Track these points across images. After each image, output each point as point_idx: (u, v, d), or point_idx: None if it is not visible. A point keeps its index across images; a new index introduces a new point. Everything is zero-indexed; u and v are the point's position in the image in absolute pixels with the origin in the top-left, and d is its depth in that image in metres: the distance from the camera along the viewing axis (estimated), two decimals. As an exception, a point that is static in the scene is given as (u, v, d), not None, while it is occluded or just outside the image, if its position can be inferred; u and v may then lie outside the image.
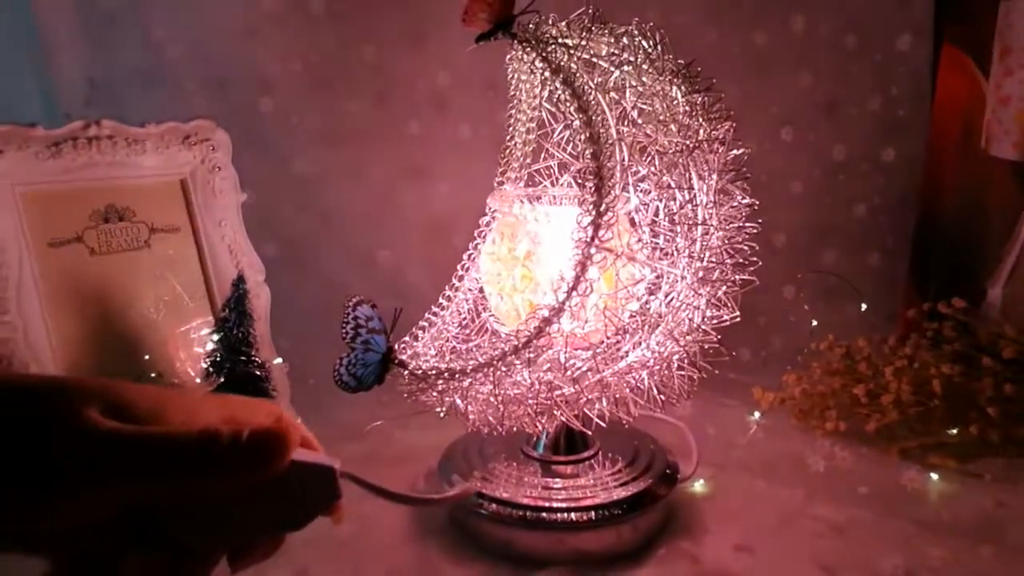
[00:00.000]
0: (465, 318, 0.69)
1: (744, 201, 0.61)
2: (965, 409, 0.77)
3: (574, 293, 0.54)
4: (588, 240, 0.54)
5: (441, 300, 0.68)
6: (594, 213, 0.53)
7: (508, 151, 0.68)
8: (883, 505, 0.68)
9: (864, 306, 0.96)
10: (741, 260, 0.61)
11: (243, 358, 0.70)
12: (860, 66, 1.03)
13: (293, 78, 0.99)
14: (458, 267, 0.69)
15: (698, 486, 0.71)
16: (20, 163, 0.67)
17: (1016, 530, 0.64)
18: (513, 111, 0.66)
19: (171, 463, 0.32)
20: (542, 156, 0.67)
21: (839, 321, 1.01)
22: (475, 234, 0.69)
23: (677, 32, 0.99)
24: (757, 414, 0.83)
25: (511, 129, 0.67)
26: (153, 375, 0.74)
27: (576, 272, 0.54)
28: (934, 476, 0.73)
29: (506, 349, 0.56)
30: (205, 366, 0.71)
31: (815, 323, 0.92)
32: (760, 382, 0.87)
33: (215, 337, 0.70)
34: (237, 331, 0.70)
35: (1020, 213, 0.87)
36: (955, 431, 0.76)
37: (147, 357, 0.74)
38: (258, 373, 0.71)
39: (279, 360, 0.79)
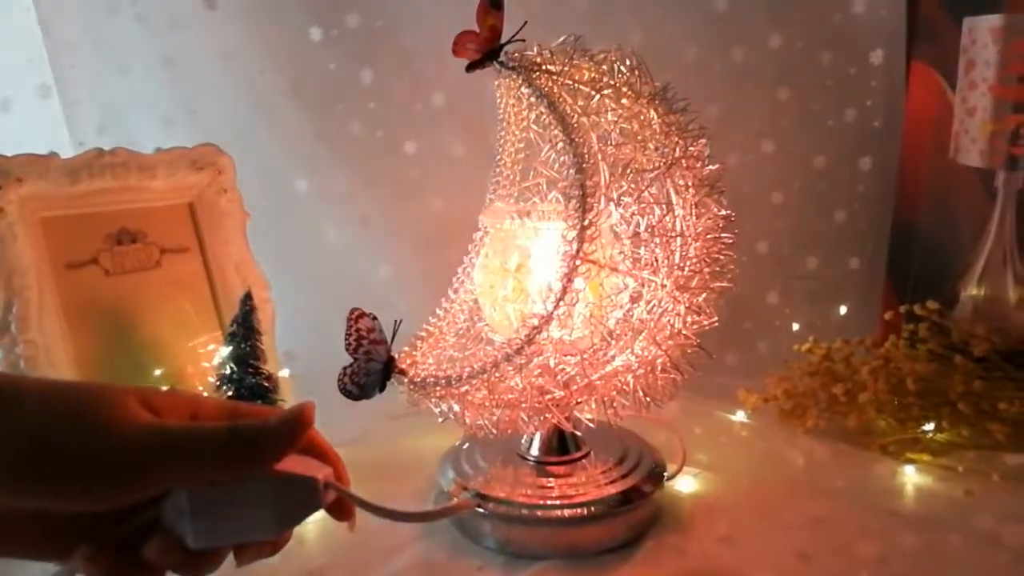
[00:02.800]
0: (461, 328, 0.73)
1: (720, 213, 0.65)
2: (938, 405, 0.81)
3: (561, 303, 0.58)
4: (573, 253, 0.57)
5: (438, 311, 0.72)
6: (578, 228, 0.57)
7: (499, 170, 0.72)
8: (860, 497, 0.72)
9: (844, 309, 1.00)
10: (718, 268, 0.65)
11: (251, 371, 0.74)
12: (836, 80, 1.07)
13: (294, 102, 1.03)
14: (454, 280, 0.73)
15: (685, 483, 0.74)
16: (39, 190, 0.71)
17: (982, 518, 0.68)
18: (503, 132, 0.70)
19: (200, 453, 0.36)
20: (531, 174, 0.71)
21: (822, 324, 1.05)
22: (469, 248, 0.73)
23: (659, 52, 1.05)
24: (741, 414, 0.87)
25: (501, 149, 0.70)
26: (164, 389, 0.77)
27: (563, 283, 0.58)
28: (909, 469, 0.76)
29: (499, 356, 0.60)
30: (214, 380, 0.75)
31: (796, 327, 0.96)
32: (746, 384, 0.90)
33: (224, 352, 0.74)
34: (245, 345, 0.74)
35: (988, 218, 0.91)
36: (929, 426, 0.80)
37: (158, 372, 0.78)
38: (265, 384, 0.74)
39: (285, 371, 0.83)
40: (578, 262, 0.57)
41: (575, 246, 0.57)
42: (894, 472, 0.76)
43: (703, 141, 0.64)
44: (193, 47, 0.99)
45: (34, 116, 0.95)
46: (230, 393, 0.73)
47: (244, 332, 0.74)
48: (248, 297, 0.74)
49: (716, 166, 0.64)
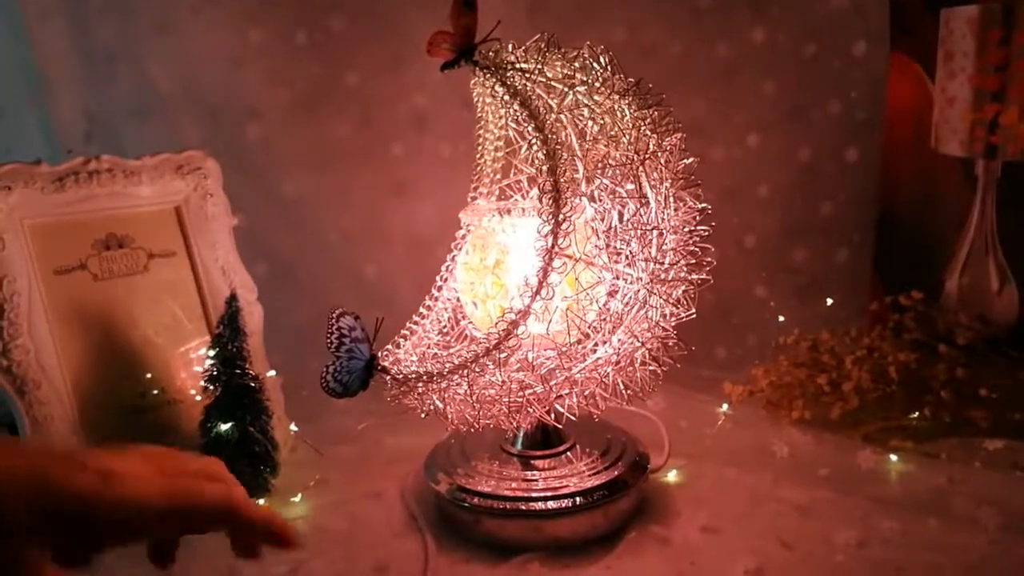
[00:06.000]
0: (445, 325, 0.74)
1: (697, 206, 0.66)
2: (921, 393, 0.81)
3: (538, 297, 0.59)
4: (548, 248, 0.58)
5: (422, 309, 0.73)
6: (552, 223, 0.58)
7: (479, 168, 0.72)
8: (843, 485, 0.73)
9: (829, 301, 1.00)
10: (695, 261, 0.65)
11: (238, 372, 0.74)
12: (820, 72, 1.07)
13: (280, 105, 1.04)
14: (437, 278, 0.74)
15: (670, 475, 0.75)
16: (27, 198, 0.72)
17: (962, 502, 0.68)
18: (481, 131, 0.71)
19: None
20: (511, 172, 0.72)
21: (811, 316, 1.05)
22: (452, 246, 0.74)
23: (644, 47, 1.06)
24: (726, 406, 0.87)
25: (480, 148, 0.71)
26: (156, 392, 0.78)
27: (539, 277, 0.59)
28: (893, 457, 0.77)
29: (479, 351, 0.61)
30: (202, 381, 0.75)
31: (782, 319, 0.96)
32: (734, 378, 0.90)
33: (211, 353, 0.75)
34: (231, 346, 0.74)
35: (970, 206, 0.91)
36: (913, 415, 0.81)
37: (149, 375, 0.78)
38: (252, 385, 0.75)
39: (272, 372, 0.84)
40: (553, 256, 0.58)
41: (550, 241, 0.58)
42: (879, 460, 0.76)
43: (678, 135, 0.64)
44: (179, 53, 1.00)
45: (23, 124, 0.96)
46: (218, 393, 0.74)
47: (231, 333, 0.74)
48: (233, 298, 0.75)
49: (690, 160, 0.65)
